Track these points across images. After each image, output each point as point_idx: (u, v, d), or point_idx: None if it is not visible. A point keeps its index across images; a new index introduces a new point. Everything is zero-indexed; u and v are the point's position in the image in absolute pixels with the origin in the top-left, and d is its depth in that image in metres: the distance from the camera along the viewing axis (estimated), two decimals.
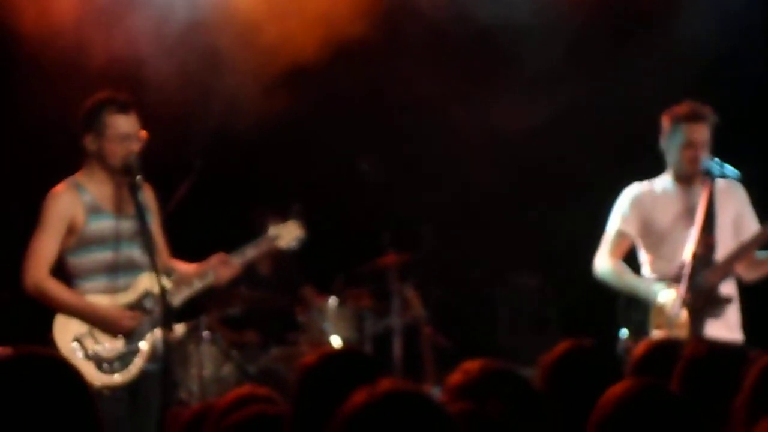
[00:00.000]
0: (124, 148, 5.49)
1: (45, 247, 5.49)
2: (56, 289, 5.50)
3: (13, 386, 2.54)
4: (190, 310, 6.41)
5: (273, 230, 5.98)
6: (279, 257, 8.18)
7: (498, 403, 2.91)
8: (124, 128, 5.50)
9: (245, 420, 3.25)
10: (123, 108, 5.51)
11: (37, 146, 7.45)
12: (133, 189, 5.53)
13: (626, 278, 6.26)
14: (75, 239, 5.52)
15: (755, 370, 3.10)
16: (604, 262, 6.32)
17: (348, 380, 3.15)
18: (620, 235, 6.33)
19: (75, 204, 5.52)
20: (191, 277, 5.71)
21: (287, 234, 5.98)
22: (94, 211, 5.54)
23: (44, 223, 5.50)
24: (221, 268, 5.73)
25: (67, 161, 5.73)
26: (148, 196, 5.71)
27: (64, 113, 6.95)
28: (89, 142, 5.54)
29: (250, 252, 5.86)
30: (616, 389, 2.93)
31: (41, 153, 7.33)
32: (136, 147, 5.52)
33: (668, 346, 4.01)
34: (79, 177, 5.61)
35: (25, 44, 6.96)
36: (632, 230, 6.31)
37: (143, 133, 5.56)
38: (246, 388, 3.65)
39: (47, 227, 5.50)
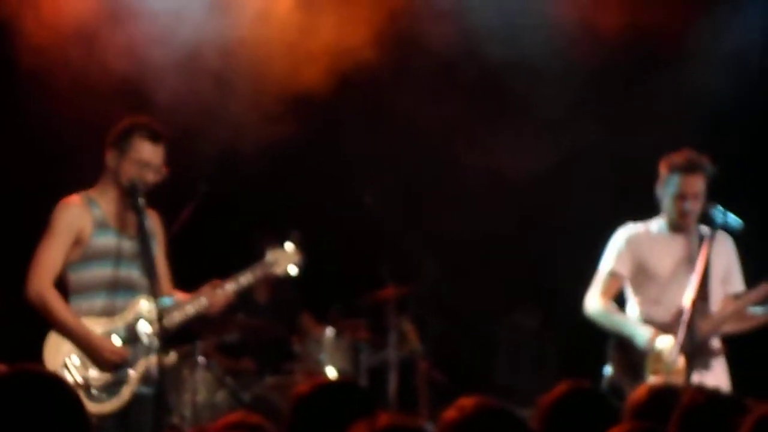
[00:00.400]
0: (139, 174, 5.53)
1: (51, 257, 5.49)
2: (56, 303, 5.48)
3: (8, 404, 2.52)
4: (185, 336, 6.39)
5: (270, 255, 5.95)
6: (277, 285, 8.16)
7: None
8: (147, 155, 5.54)
9: None
10: (153, 137, 5.56)
11: (38, 159, 7.46)
12: (136, 210, 5.54)
13: (614, 318, 6.27)
14: (79, 252, 5.51)
15: (750, 421, 3.07)
16: (595, 302, 6.33)
17: (341, 411, 3.13)
18: (613, 275, 6.34)
19: (84, 216, 5.53)
20: (184, 303, 5.68)
21: (284, 260, 5.96)
22: (100, 226, 5.55)
23: (53, 232, 5.51)
24: (214, 295, 5.70)
25: (68, 174, 5.74)
26: (155, 223, 5.72)
27: (69, 130, 6.98)
28: (110, 158, 5.58)
29: (247, 277, 5.83)
30: None
31: (42, 165, 7.35)
32: (151, 177, 5.56)
33: (667, 392, 3.99)
34: (92, 192, 5.63)
35: (30, 60, 6.97)
36: (625, 270, 6.32)
37: (164, 169, 5.58)
38: (238, 415, 3.62)
39: (55, 236, 5.50)
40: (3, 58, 7.13)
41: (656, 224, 6.35)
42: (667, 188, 6.23)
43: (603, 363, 6.33)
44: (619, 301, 6.43)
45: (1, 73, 7.28)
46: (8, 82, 7.30)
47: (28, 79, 7.05)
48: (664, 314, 6.19)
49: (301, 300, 8.34)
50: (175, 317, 5.63)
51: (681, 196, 6.18)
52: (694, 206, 6.17)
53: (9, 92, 7.40)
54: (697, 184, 6.17)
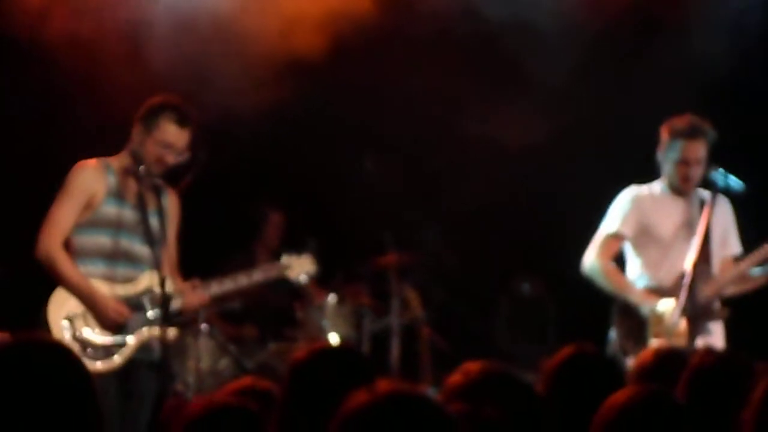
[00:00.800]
0: (160, 154, 5.56)
1: (63, 217, 5.51)
2: (65, 263, 5.50)
3: (13, 374, 2.50)
4: None
5: (285, 260, 6.10)
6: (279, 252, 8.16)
7: (497, 407, 2.88)
8: (171, 138, 5.57)
9: (209, 412, 3.18)
10: (181, 121, 5.60)
11: (38, 124, 7.46)
12: (137, 178, 5.54)
13: (620, 284, 6.24)
14: (88, 216, 5.54)
15: (763, 385, 3.07)
16: (594, 261, 6.30)
17: (338, 378, 3.12)
18: (616, 236, 6.32)
19: (99, 181, 5.56)
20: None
21: (299, 266, 6.10)
22: (113, 194, 5.57)
23: (67, 192, 5.54)
24: (192, 295, 5.70)
25: (67, 136, 5.74)
26: (172, 203, 5.73)
27: (63, 98, 6.96)
28: (135, 133, 5.59)
29: (258, 275, 5.96)
30: (621, 395, 2.91)
31: (43, 129, 7.35)
32: (172, 159, 5.59)
33: (673, 356, 3.99)
34: (111, 160, 5.65)
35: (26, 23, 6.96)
36: (629, 231, 6.30)
37: (186, 152, 5.60)
38: (247, 380, 3.60)
39: (69, 197, 5.53)
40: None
41: (658, 186, 6.35)
42: (669, 153, 6.22)
43: (604, 329, 6.33)
44: (619, 261, 6.41)
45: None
46: (6, 44, 7.28)
47: (28, 44, 7.04)
48: (665, 277, 6.20)
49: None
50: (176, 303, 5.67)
51: (683, 162, 6.17)
52: (696, 172, 6.17)
53: (8, 55, 7.39)
54: (699, 150, 6.16)
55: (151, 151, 5.55)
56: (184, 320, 7.23)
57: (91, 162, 5.60)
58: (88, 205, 5.53)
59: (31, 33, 6.90)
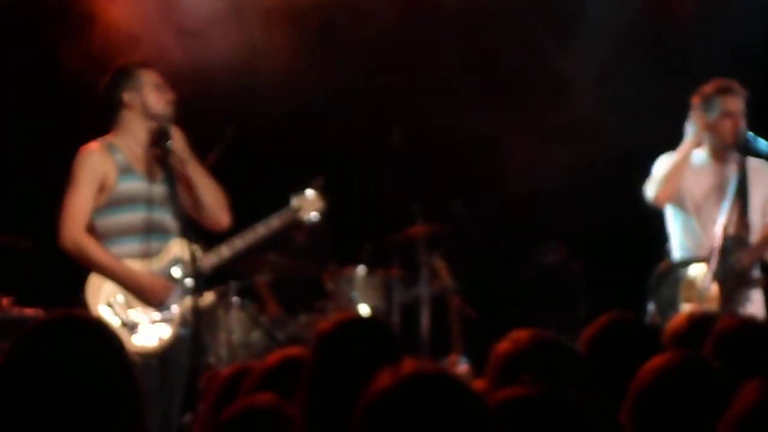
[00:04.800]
0: (164, 97, 5.58)
1: (80, 204, 5.47)
2: (95, 249, 5.47)
3: (49, 350, 2.50)
4: (219, 277, 6.40)
5: (295, 201, 6.00)
6: (313, 228, 8.15)
7: (546, 374, 2.87)
8: (156, 77, 5.62)
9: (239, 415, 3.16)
10: (147, 64, 5.66)
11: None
12: (164, 154, 5.53)
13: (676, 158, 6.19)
14: (105, 198, 5.51)
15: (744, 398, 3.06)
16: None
17: (363, 348, 3.12)
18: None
19: (107, 162, 5.52)
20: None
21: (308, 205, 6.01)
22: (125, 171, 5.54)
23: (77, 179, 5.50)
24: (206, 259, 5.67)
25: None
26: (178, 144, 5.63)
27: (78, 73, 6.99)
28: (129, 99, 5.57)
29: (275, 222, 5.86)
30: (657, 361, 2.92)
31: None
32: (171, 95, 5.61)
33: (706, 320, 3.99)
34: (110, 138, 5.61)
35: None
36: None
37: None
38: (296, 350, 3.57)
39: (81, 183, 5.49)
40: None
41: (697, 155, 6.26)
42: (711, 113, 6.12)
43: (630, 294, 6.29)
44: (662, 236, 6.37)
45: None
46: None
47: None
48: (698, 242, 6.14)
49: (333, 244, 8.32)
50: (211, 259, 5.67)
51: (728, 114, 6.07)
52: (743, 124, 6.08)
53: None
54: (740, 103, 6.10)
55: (155, 100, 5.55)
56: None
57: (94, 146, 5.55)
58: (102, 188, 5.49)
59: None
